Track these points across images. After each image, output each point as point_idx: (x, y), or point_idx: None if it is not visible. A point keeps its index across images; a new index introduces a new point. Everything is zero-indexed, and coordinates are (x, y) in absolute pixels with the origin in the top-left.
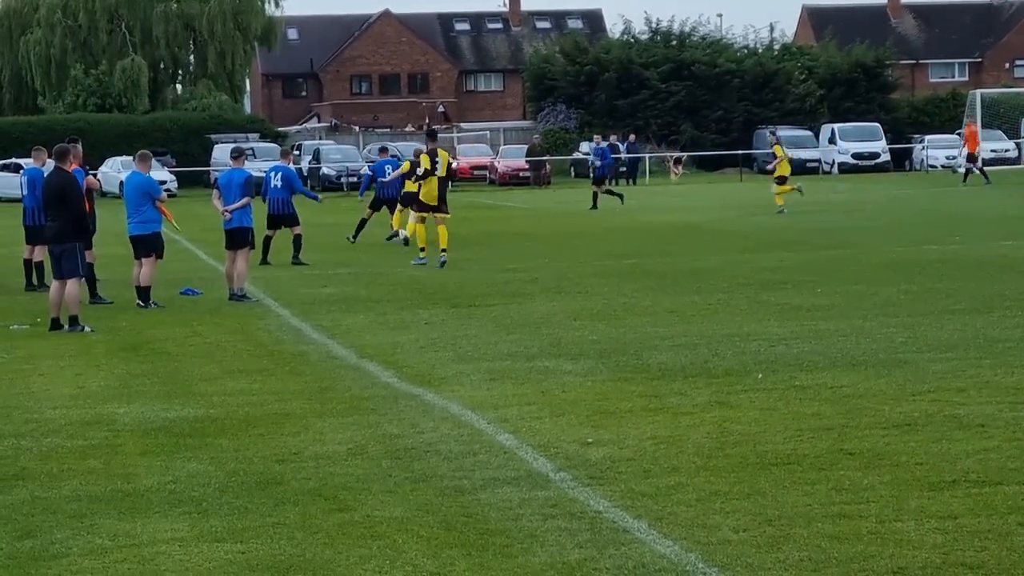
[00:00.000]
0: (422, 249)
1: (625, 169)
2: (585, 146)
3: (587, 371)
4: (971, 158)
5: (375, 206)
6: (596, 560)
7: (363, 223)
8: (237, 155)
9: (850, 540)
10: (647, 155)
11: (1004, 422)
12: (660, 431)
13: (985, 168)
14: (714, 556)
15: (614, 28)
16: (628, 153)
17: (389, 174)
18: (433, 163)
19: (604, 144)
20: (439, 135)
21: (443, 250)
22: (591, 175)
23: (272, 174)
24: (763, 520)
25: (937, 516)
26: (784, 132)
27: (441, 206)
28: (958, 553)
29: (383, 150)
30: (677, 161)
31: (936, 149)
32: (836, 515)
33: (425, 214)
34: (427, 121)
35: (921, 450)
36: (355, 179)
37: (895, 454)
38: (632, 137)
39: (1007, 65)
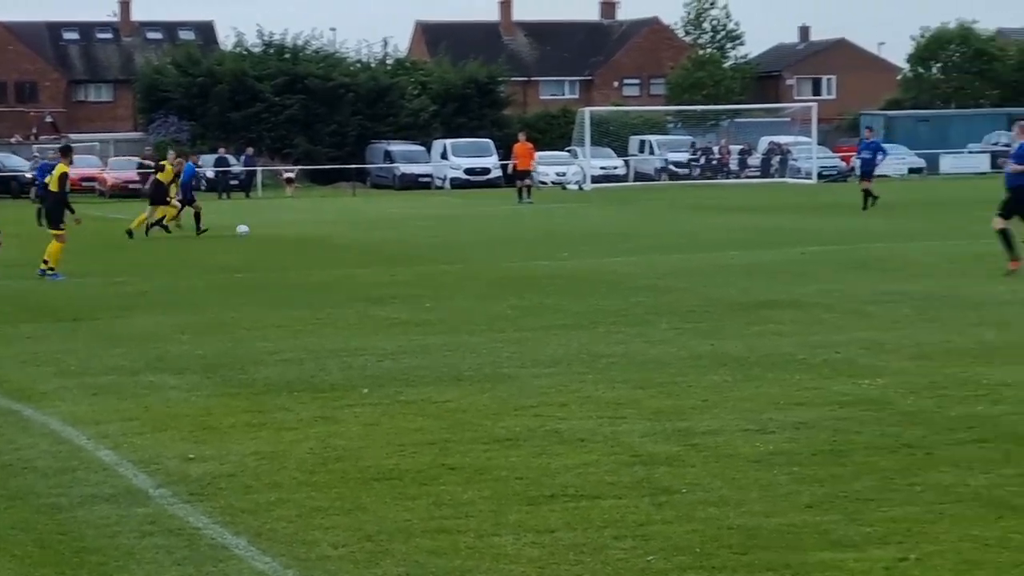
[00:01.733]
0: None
1: (238, 183)
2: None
3: (192, 386)
4: (521, 175)
5: None
6: None
7: None
8: None
9: (448, 555)
10: (260, 168)
11: (603, 436)
12: (263, 447)
13: (595, 185)
14: (312, 572)
15: (227, 40)
16: (245, 166)
17: None
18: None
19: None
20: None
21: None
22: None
23: None
24: (363, 536)
25: (535, 530)
26: (397, 147)
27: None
28: (554, 567)
29: None
30: (289, 181)
31: (546, 166)
32: (436, 530)
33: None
34: (35, 131)
35: (522, 464)
36: None
37: (496, 468)
38: (250, 150)
39: (616, 83)
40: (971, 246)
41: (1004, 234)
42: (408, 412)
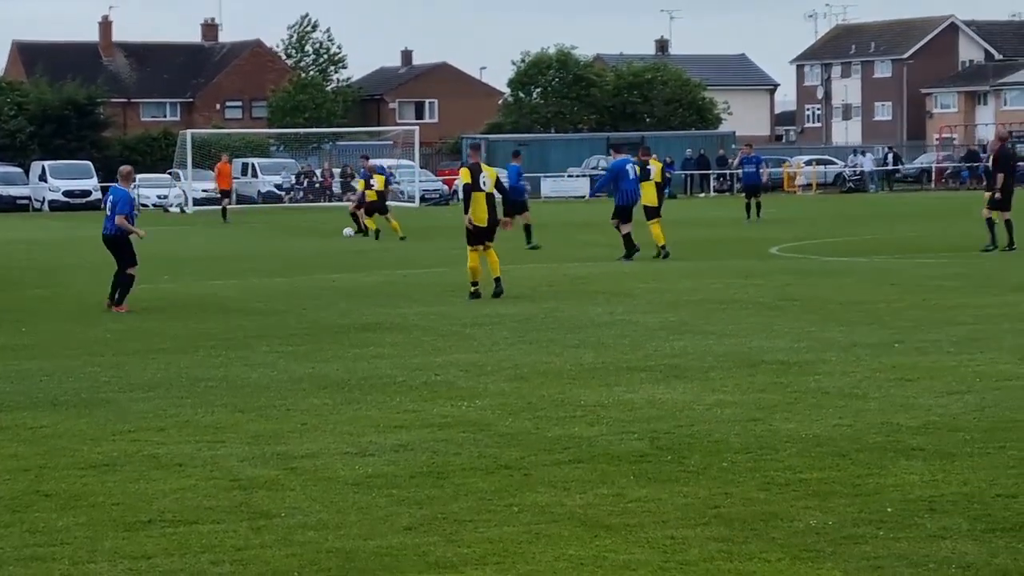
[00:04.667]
0: None
1: None
2: None
3: None
4: (224, 193)
5: None
6: None
7: None
8: None
9: None
10: None
11: (202, 461)
12: None
13: (197, 208)
14: None
15: None
16: None
17: None
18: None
19: None
20: None
21: None
22: None
23: None
24: None
25: (131, 556)
26: None
27: None
28: None
29: None
30: None
31: (148, 188)
32: (29, 557)
33: None
34: None
35: (119, 490)
36: None
37: (92, 494)
38: None
39: (218, 106)
40: (569, 268)
41: None
42: (1, 438)
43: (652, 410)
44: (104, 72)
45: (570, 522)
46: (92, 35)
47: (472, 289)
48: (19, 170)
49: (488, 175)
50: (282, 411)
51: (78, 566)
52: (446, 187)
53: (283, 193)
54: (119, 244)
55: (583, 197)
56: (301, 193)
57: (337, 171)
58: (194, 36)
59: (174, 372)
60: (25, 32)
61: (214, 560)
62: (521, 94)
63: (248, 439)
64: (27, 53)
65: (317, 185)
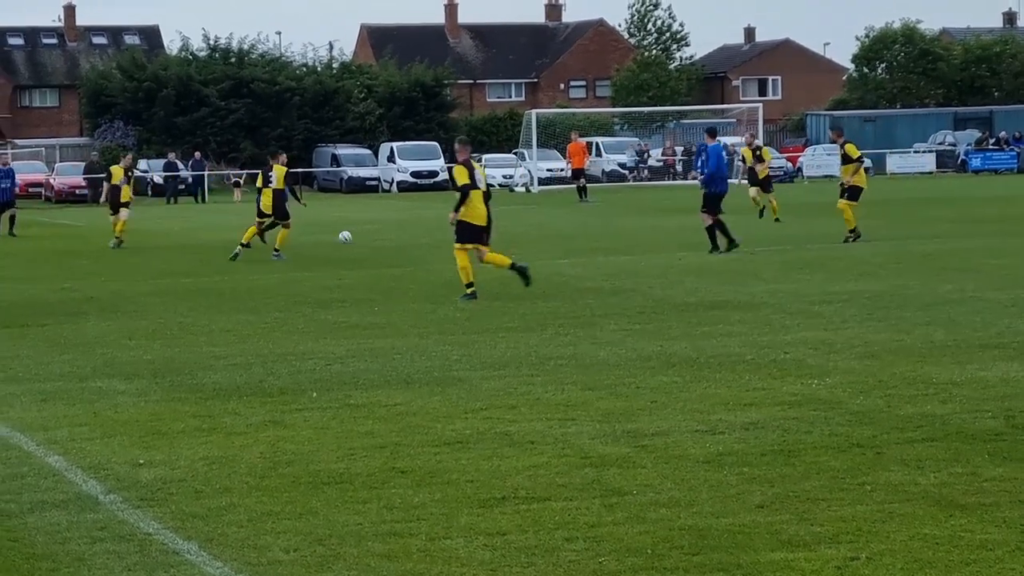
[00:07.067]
0: None
1: (186, 188)
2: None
3: (140, 391)
4: (577, 174)
5: None
6: None
7: None
8: None
9: (400, 558)
10: (207, 173)
11: (553, 438)
12: (213, 451)
13: (542, 187)
14: None
15: (172, 44)
16: (193, 171)
17: None
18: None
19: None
20: None
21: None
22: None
23: None
24: (314, 540)
25: (486, 533)
26: (344, 151)
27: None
28: (505, 569)
29: None
30: (236, 184)
31: (494, 168)
32: (387, 533)
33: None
34: None
35: (472, 467)
36: None
37: (446, 471)
38: (197, 155)
39: (562, 85)
40: (916, 245)
41: None
42: (357, 416)
43: (1006, 388)
44: (450, 54)
45: (924, 501)
46: (438, 17)
47: (467, 291)
48: (368, 151)
49: (480, 172)
50: (631, 389)
51: (434, 542)
52: (791, 164)
53: (627, 172)
54: None
55: (931, 173)
56: (645, 172)
57: (680, 149)
58: (538, 16)
59: (523, 350)
60: (374, 16)
61: (568, 537)
62: (866, 70)
63: (598, 417)
64: (376, 36)
65: (660, 163)
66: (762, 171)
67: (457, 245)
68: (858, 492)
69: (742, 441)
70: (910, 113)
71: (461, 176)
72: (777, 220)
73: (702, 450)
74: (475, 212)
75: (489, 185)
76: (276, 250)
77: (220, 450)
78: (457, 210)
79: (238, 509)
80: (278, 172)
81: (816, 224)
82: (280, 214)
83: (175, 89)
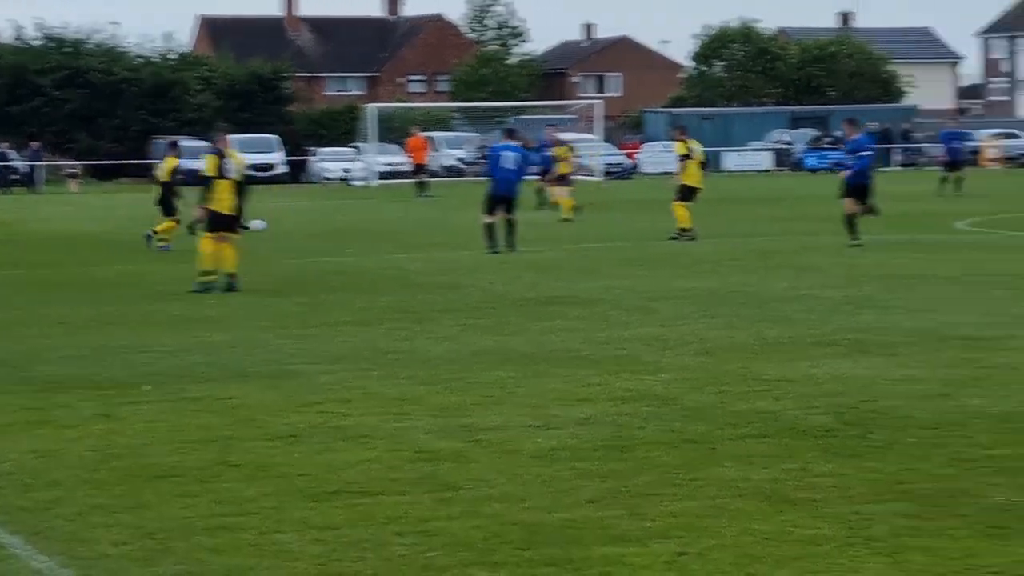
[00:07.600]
0: None
1: (19, 178)
2: None
3: None
4: (419, 169)
5: None
6: None
7: None
8: None
9: (229, 552)
10: (43, 164)
11: (386, 433)
12: (42, 444)
13: (381, 182)
14: (90, 571)
15: (3, 33)
16: (30, 161)
17: None
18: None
19: None
20: None
21: None
22: None
23: None
24: (144, 533)
25: (317, 527)
26: (185, 143)
27: None
28: (336, 563)
29: None
30: (72, 176)
31: (331, 162)
32: (217, 527)
33: None
34: None
35: (305, 461)
36: None
37: (279, 465)
38: (35, 145)
39: (401, 80)
40: (751, 243)
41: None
42: (191, 409)
43: (837, 385)
44: (289, 46)
45: (755, 497)
46: (277, 9)
47: (203, 279)
48: (207, 144)
49: (235, 162)
50: (466, 384)
51: (265, 536)
52: (629, 161)
53: (465, 167)
54: None
55: (766, 171)
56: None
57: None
58: (377, 10)
59: (359, 344)
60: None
61: (399, 531)
62: (704, 68)
63: (433, 411)
64: (214, 28)
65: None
66: (563, 168)
67: (207, 234)
68: (690, 487)
69: (575, 436)
70: (747, 111)
71: (210, 166)
72: (565, 220)
73: (535, 445)
74: (223, 202)
75: (248, 176)
76: (155, 235)
77: (50, 443)
78: (204, 200)
79: (67, 503)
80: (167, 164)
81: (654, 220)
82: (167, 210)
83: (8, 78)
